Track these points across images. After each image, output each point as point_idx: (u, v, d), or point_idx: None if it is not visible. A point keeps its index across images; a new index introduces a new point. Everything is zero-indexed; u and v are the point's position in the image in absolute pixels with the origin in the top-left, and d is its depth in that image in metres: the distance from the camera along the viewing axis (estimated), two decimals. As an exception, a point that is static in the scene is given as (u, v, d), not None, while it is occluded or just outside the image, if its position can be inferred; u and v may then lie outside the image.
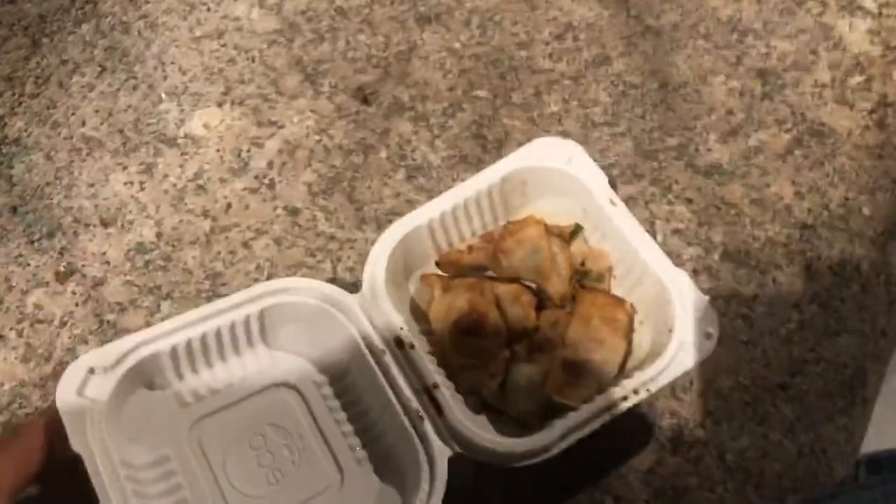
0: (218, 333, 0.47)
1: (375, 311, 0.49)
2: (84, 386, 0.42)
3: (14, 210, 0.62)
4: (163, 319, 0.58)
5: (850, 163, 0.64)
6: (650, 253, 0.50)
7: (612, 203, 0.52)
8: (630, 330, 0.52)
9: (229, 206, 0.63)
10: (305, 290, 0.49)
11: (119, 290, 0.59)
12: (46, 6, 0.67)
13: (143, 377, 0.45)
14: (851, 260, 0.61)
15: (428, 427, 0.46)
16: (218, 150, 0.65)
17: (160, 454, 0.45)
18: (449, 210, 0.53)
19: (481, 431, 0.46)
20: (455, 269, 0.55)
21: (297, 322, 0.49)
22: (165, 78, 0.68)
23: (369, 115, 0.67)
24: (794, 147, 0.65)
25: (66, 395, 0.42)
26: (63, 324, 0.58)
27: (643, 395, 0.47)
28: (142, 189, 0.63)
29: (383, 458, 0.48)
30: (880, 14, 0.70)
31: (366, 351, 0.48)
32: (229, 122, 0.66)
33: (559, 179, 0.54)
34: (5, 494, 0.38)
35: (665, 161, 0.64)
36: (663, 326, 0.50)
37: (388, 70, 0.69)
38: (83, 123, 0.65)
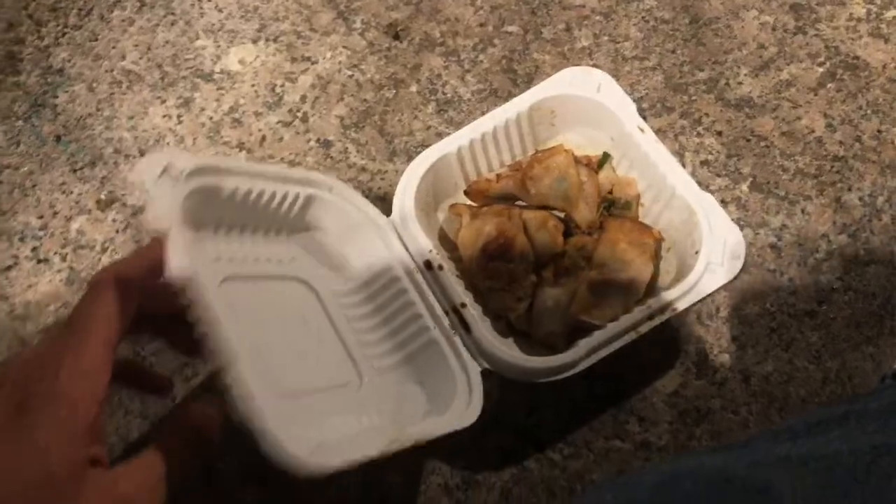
0: (268, 196, 0.46)
1: (406, 235, 0.50)
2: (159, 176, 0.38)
3: (58, 139, 0.64)
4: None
5: (885, 96, 0.63)
6: (677, 178, 0.51)
7: (641, 130, 0.52)
8: (657, 254, 0.52)
9: (264, 138, 0.64)
10: (349, 197, 0.50)
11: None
12: (88, -61, 0.69)
13: (195, 207, 0.40)
14: (883, 192, 0.60)
15: (459, 342, 0.47)
16: (253, 85, 0.66)
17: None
18: (478, 138, 0.54)
19: (508, 349, 0.47)
20: (483, 197, 0.55)
21: (332, 224, 0.50)
22: (202, 15, 0.69)
23: (400, 50, 0.68)
24: (827, 80, 0.64)
25: (150, 177, 0.37)
26: (104, 249, 0.61)
27: (668, 314, 0.47)
28: (179, 122, 0.65)
29: (406, 370, 0.48)
30: (919, -51, 0.69)
31: (396, 266, 0.49)
32: (264, 58, 0.68)
33: (588, 108, 0.54)
34: (104, 341, 0.34)
35: (695, 94, 0.64)
36: (690, 250, 0.50)
37: (420, 6, 0.69)
38: (123, 57, 0.67)
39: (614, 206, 0.55)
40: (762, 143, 0.62)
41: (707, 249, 0.48)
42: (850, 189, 0.61)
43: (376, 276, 0.50)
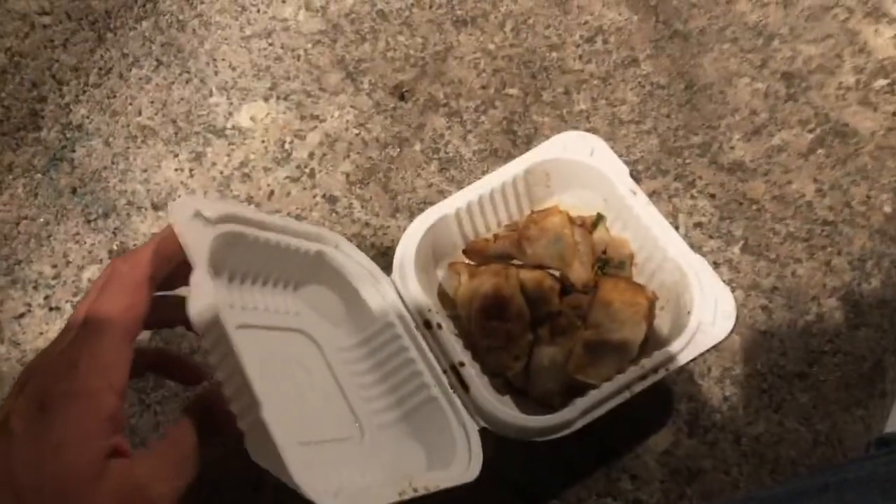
0: (283, 248, 0.47)
1: (405, 292, 0.52)
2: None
3: (74, 191, 0.66)
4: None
5: (873, 162, 0.65)
6: (670, 240, 0.52)
7: (633, 193, 0.54)
8: (650, 314, 0.54)
9: (272, 193, 0.67)
10: (354, 254, 0.52)
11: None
12: (112, 2, 0.72)
13: (218, 252, 0.41)
14: (872, 256, 0.62)
15: (458, 400, 0.48)
16: (263, 142, 0.69)
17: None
18: (475, 200, 0.56)
19: (505, 408, 0.49)
20: (481, 256, 0.57)
21: (336, 280, 0.51)
22: (216, 73, 0.72)
23: (405, 110, 0.70)
24: (817, 146, 0.66)
25: (183, 218, 0.38)
26: (114, 298, 0.62)
27: (661, 374, 0.49)
28: (191, 176, 0.67)
29: (405, 426, 0.49)
30: (907, 21, 0.71)
31: (396, 323, 0.50)
32: (274, 116, 0.70)
33: (581, 171, 0.56)
34: (121, 335, 0.34)
35: (689, 158, 0.66)
36: (683, 310, 0.52)
37: (425, 69, 0.72)
38: (139, 113, 0.70)
39: (608, 266, 0.57)
40: (754, 207, 0.64)
41: (699, 310, 0.50)
42: (839, 253, 0.62)
43: (377, 333, 0.51)
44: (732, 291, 0.51)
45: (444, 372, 0.49)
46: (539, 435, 0.48)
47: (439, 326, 0.50)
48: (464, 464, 0.46)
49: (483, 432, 0.48)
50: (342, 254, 0.51)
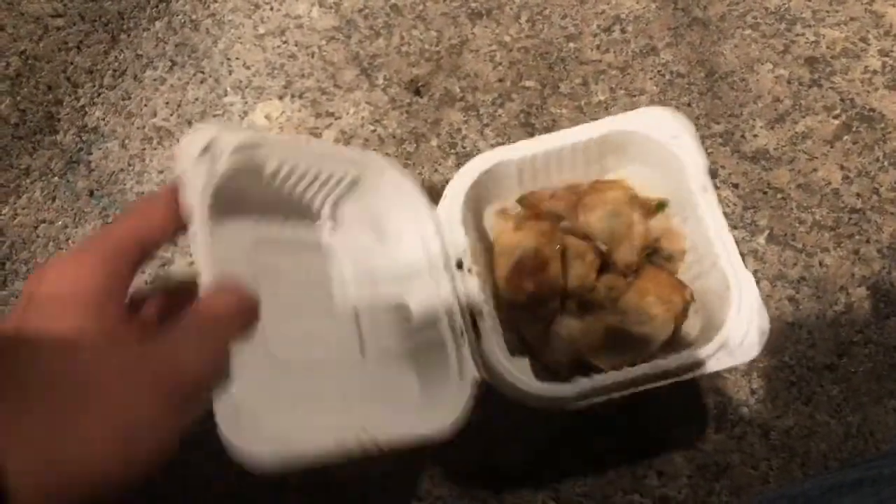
0: (313, 175, 0.46)
1: (445, 228, 0.50)
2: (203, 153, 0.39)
3: (91, 193, 0.66)
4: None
5: (901, 148, 0.64)
6: (725, 248, 0.49)
7: (704, 190, 0.50)
8: (682, 315, 0.51)
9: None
10: (400, 182, 0.50)
11: (186, 269, 0.63)
12: (125, 4, 0.72)
13: (236, 183, 0.41)
14: (902, 244, 0.60)
15: (466, 346, 0.47)
16: (278, 140, 0.69)
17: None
18: (541, 153, 0.53)
19: (509, 365, 0.47)
20: (534, 210, 0.55)
21: (376, 206, 0.50)
22: (230, 72, 0.72)
23: (421, 105, 0.69)
24: (843, 132, 0.65)
25: (190, 153, 0.38)
26: (132, 299, 0.62)
27: (667, 381, 0.47)
28: (207, 176, 0.67)
29: (408, 361, 0.48)
30: (934, 2, 0.70)
31: (429, 257, 0.49)
32: (289, 114, 0.70)
33: (659, 152, 0.52)
34: (124, 259, 0.34)
35: (711, 147, 0.65)
36: (715, 322, 0.49)
37: (440, 63, 0.71)
38: (154, 114, 0.69)
39: (657, 255, 0.54)
40: (779, 196, 0.63)
41: (730, 328, 0.47)
42: (868, 241, 0.61)
43: (407, 264, 0.50)
44: (758, 282, 0.49)
45: (463, 316, 0.48)
46: (534, 402, 0.47)
47: (470, 271, 0.49)
48: (447, 414, 0.44)
49: (483, 387, 0.46)
50: (387, 180, 0.50)
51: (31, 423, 0.27)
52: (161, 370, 0.30)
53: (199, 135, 0.39)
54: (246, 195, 0.43)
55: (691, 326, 0.52)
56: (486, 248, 0.54)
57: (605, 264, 0.53)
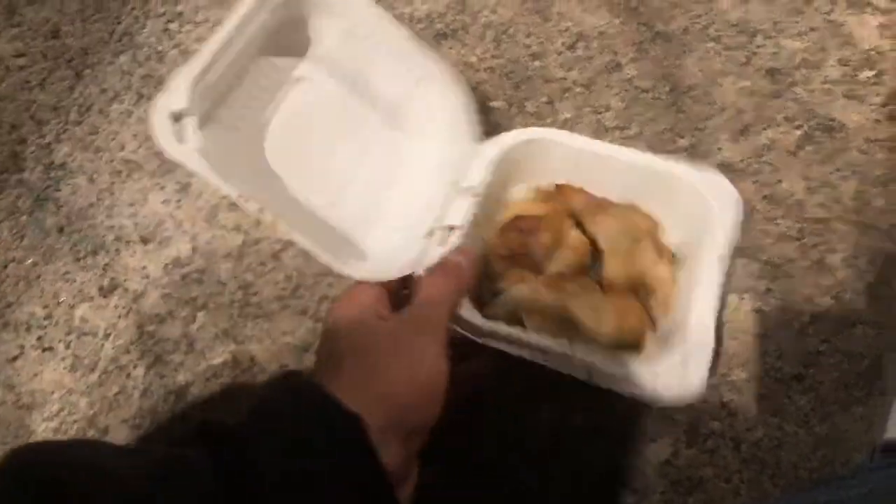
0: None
1: (477, 158, 0.53)
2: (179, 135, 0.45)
3: (61, 230, 0.66)
4: (198, 330, 0.62)
5: (862, 156, 0.65)
6: (701, 312, 0.48)
7: (720, 260, 0.50)
8: (632, 335, 0.51)
9: (259, 220, 0.66)
10: (454, 93, 0.54)
11: (158, 302, 0.63)
12: (87, 39, 0.72)
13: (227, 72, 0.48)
14: (865, 252, 0.61)
15: (435, 245, 0.50)
16: (248, 168, 0.69)
17: None
18: (592, 153, 0.55)
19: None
20: (562, 195, 0.57)
21: (429, 102, 0.55)
22: (198, 102, 0.72)
23: (389, 129, 0.70)
24: (805, 143, 0.66)
25: (168, 145, 0.44)
26: (107, 335, 0.63)
27: (602, 383, 0.47)
28: (178, 207, 0.67)
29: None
30: (891, 10, 0.70)
31: (447, 162, 0.53)
32: (258, 141, 0.70)
33: (701, 210, 0.52)
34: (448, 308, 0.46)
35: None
36: (662, 360, 0.47)
37: (407, 85, 0.72)
38: (123, 147, 0.70)
39: (643, 290, 0.53)
40: (744, 208, 0.63)
41: (667, 372, 0.46)
42: (832, 251, 0.61)
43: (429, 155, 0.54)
44: (726, 296, 0.50)
45: (442, 227, 0.50)
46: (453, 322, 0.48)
47: (475, 195, 0.51)
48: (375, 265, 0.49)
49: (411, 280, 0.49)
50: (445, 88, 0.53)
51: (357, 379, 0.39)
52: (419, 321, 0.43)
53: (162, 106, 0.45)
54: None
55: (647, 351, 0.51)
56: (493, 214, 0.56)
57: (588, 268, 0.54)
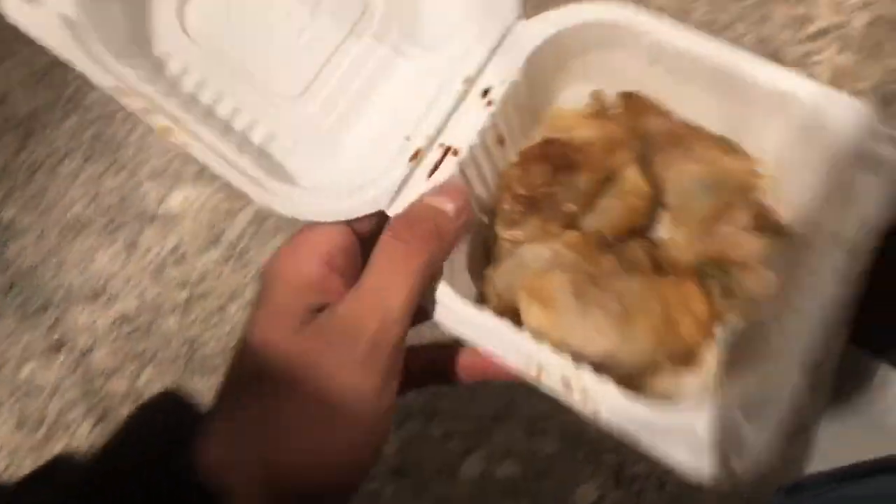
0: None
1: (500, 53, 0.34)
2: None
3: (9, 289, 0.68)
4: (145, 384, 0.63)
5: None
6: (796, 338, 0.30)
7: (848, 253, 0.26)
8: (656, 358, 0.34)
9: (205, 274, 0.68)
10: None
11: (105, 357, 0.65)
12: (34, 103, 0.74)
13: None
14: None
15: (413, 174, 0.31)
16: (194, 224, 0.71)
17: None
18: (679, 50, 0.34)
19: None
20: (632, 116, 0.36)
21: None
22: (147, 161, 0.74)
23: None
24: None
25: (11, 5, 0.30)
26: (54, 392, 0.64)
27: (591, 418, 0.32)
28: (126, 264, 0.69)
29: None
30: None
31: (457, 73, 0.33)
32: (204, 199, 0.72)
33: (843, 160, 0.31)
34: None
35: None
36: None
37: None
38: (71, 207, 0.71)
39: (719, 269, 0.34)
40: None
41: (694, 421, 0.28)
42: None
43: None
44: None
45: (440, 146, 0.32)
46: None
47: (490, 104, 0.32)
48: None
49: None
50: None
51: (242, 425, 0.26)
52: (355, 326, 0.27)
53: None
54: None
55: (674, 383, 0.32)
56: (526, 131, 0.37)
57: (644, 228, 0.35)
